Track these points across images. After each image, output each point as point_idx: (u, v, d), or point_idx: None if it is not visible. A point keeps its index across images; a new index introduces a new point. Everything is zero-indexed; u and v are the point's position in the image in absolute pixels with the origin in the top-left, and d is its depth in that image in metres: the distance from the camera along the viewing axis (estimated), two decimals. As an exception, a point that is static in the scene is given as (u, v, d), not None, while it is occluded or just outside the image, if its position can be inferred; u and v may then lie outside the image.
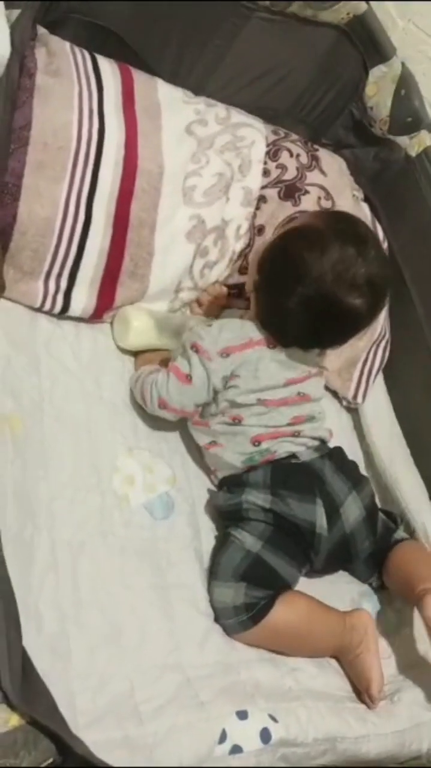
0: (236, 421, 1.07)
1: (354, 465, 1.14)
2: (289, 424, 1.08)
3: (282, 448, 1.07)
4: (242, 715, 0.87)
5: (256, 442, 1.07)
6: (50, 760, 0.58)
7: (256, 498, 1.03)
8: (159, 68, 1.34)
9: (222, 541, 1.03)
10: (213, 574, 1.00)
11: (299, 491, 1.03)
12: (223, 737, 0.84)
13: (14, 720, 0.60)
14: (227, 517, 1.06)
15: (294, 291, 1.01)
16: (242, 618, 0.95)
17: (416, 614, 1.03)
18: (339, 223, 1.05)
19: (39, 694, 0.68)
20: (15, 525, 0.88)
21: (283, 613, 0.95)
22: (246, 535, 1.00)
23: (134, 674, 0.86)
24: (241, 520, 1.03)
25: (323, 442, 1.12)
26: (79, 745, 0.63)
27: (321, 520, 1.02)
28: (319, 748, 0.89)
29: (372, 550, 1.08)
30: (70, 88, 1.17)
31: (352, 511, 1.05)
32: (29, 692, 0.65)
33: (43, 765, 0.58)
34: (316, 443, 1.10)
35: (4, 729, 0.58)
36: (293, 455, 1.07)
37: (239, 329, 1.08)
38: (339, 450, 1.14)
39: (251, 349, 1.07)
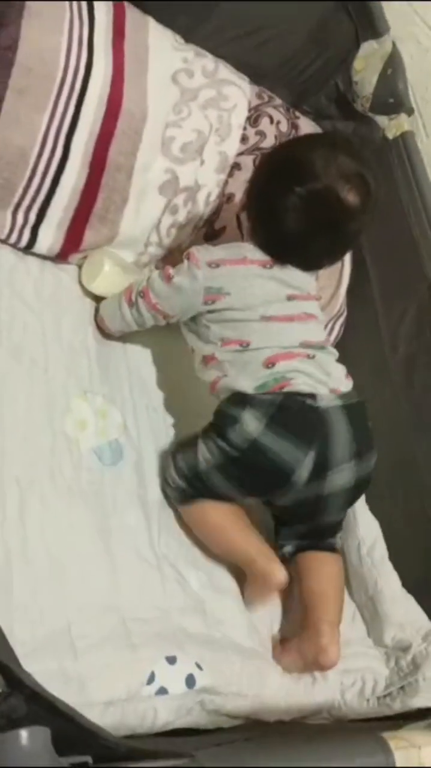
0: (245, 346, 1.03)
1: (368, 431, 1.05)
2: (302, 345, 1.04)
3: (300, 380, 1.01)
4: (172, 660, 0.91)
5: (269, 364, 1.01)
6: (-1, 691, 0.60)
7: (249, 422, 0.99)
8: (150, 6, 1.29)
9: (192, 438, 1.05)
10: (174, 455, 1.06)
11: (296, 437, 0.98)
12: (151, 678, 0.88)
13: None
14: (213, 420, 1.05)
15: (291, 189, 1.01)
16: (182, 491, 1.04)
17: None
18: (327, 136, 1.20)
19: None
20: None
21: (211, 508, 1.02)
22: (209, 451, 1.01)
23: (72, 611, 0.88)
24: (219, 433, 1.02)
25: (346, 392, 1.05)
26: (26, 676, 0.65)
27: (302, 471, 0.98)
28: (235, 700, 0.94)
29: (324, 526, 1.06)
30: (61, 13, 1.12)
31: (340, 477, 1.00)
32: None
33: (-10, 695, 0.59)
34: (340, 389, 1.04)
35: None
36: (312, 396, 1.01)
37: (236, 249, 1.08)
38: (360, 407, 1.05)
39: (244, 265, 1.05)
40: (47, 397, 1.04)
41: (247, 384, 1.01)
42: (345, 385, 1.06)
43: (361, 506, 1.16)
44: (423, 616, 1.05)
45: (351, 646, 1.02)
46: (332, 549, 1.07)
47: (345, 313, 1.40)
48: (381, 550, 1.12)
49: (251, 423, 0.99)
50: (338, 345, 1.40)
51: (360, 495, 1.10)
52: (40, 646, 0.82)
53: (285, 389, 1.00)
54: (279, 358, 1.02)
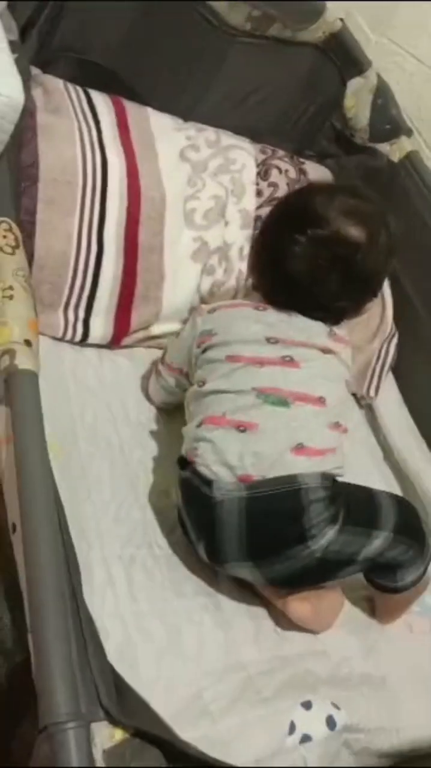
0: (200, 384, 0.99)
1: (283, 526, 0.90)
2: (256, 391, 0.93)
3: (202, 458, 0.93)
4: (307, 705, 0.90)
5: (199, 422, 0.95)
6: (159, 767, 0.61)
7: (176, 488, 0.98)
8: (149, 97, 1.40)
9: None
10: None
11: (191, 520, 0.95)
12: (292, 728, 0.87)
13: (119, 734, 0.63)
14: None
15: (291, 233, 0.97)
16: None
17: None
18: (325, 183, 1.20)
19: (136, 706, 0.70)
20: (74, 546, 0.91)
21: None
22: None
23: (198, 676, 0.89)
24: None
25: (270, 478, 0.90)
26: (188, 747, 0.67)
27: (202, 554, 0.95)
28: (380, 735, 0.92)
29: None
30: (71, 125, 1.22)
31: (245, 573, 0.94)
32: (125, 705, 0.68)
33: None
34: (254, 476, 0.90)
35: (110, 744, 0.61)
36: (208, 482, 0.92)
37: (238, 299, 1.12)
38: (286, 497, 0.89)
39: (237, 308, 1.03)
40: (129, 475, 1.07)
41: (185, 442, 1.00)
42: (281, 467, 0.90)
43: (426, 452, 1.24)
44: None
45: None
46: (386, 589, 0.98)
47: (396, 334, 1.42)
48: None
49: (175, 490, 1.00)
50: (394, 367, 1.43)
51: (328, 573, 0.95)
52: (177, 717, 0.83)
53: (192, 462, 0.95)
54: (208, 420, 0.95)
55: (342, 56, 1.47)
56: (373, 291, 1.06)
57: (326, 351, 0.99)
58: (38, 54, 1.30)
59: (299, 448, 0.91)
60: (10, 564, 0.75)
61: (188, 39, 1.36)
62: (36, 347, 0.88)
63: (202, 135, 1.39)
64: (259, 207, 1.36)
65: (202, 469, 0.92)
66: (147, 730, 0.66)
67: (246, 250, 1.30)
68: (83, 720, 0.63)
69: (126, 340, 1.23)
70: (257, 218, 1.33)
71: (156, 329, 1.25)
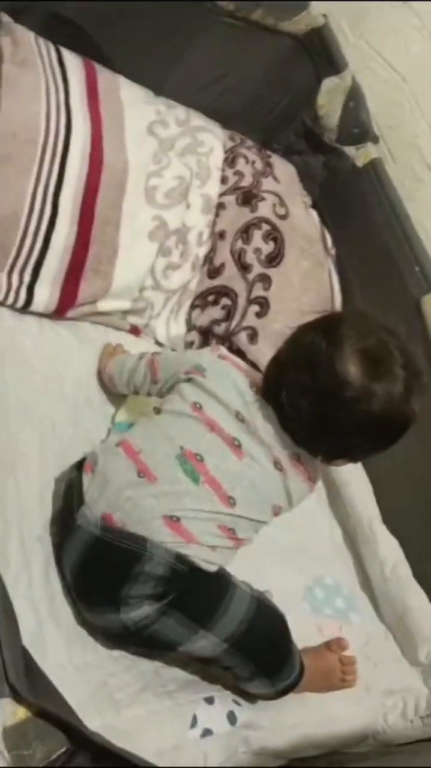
0: (157, 408, 0.98)
1: (118, 581, 0.85)
2: (180, 452, 0.88)
3: (86, 479, 0.90)
4: (210, 700, 0.91)
5: (125, 447, 0.90)
6: (63, 750, 0.60)
7: None
8: (119, 63, 1.35)
9: None
10: None
11: None
12: (194, 722, 0.88)
13: (21, 713, 0.61)
14: None
15: (307, 383, 0.85)
16: None
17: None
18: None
19: (44, 688, 0.69)
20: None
21: None
22: None
23: (107, 664, 0.89)
24: None
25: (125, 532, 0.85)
26: (93, 734, 0.66)
27: None
28: (278, 733, 0.93)
29: None
30: (37, 80, 1.16)
31: None
32: (34, 686, 0.66)
33: (54, 755, 0.59)
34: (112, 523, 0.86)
35: (13, 721, 0.59)
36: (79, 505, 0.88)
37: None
38: (112, 552, 0.86)
39: (237, 369, 0.95)
40: (59, 454, 1.04)
41: None
42: (144, 527, 0.85)
43: (379, 526, 1.17)
44: (454, 627, 1.06)
45: (388, 666, 1.02)
46: None
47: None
48: (404, 568, 1.13)
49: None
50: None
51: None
52: (83, 703, 0.82)
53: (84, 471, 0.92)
54: (126, 445, 0.91)
55: (321, 53, 1.46)
56: (353, 453, 0.92)
57: (277, 465, 0.90)
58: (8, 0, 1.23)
59: (173, 521, 0.85)
60: None
61: (168, 8, 1.31)
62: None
63: (172, 112, 1.35)
64: (222, 194, 1.34)
65: (87, 489, 0.89)
66: (53, 712, 0.65)
67: (205, 236, 1.28)
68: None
69: (71, 313, 1.19)
70: (220, 205, 1.31)
71: (103, 305, 1.21)
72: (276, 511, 0.92)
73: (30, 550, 0.92)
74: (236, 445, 0.89)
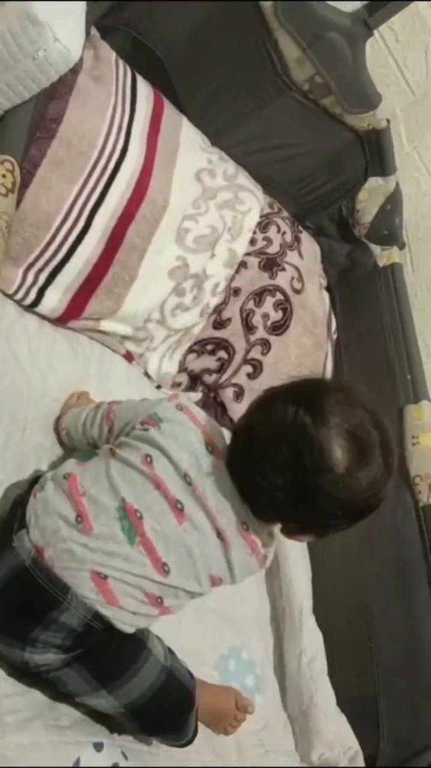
0: (110, 451, 0.90)
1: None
2: (122, 500, 0.84)
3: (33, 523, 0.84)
4: (99, 746, 0.89)
5: (71, 484, 0.87)
6: None
7: None
8: (186, 105, 1.39)
9: None
10: None
11: None
12: (76, 764, 0.86)
13: None
14: None
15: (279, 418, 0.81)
16: None
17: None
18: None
19: None
20: None
21: None
22: None
23: (3, 683, 0.86)
24: None
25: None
26: None
27: None
28: None
29: None
30: (107, 98, 1.19)
31: None
32: None
33: None
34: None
35: None
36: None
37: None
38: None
39: (193, 423, 0.90)
40: (20, 461, 1.03)
41: None
42: (71, 576, 0.82)
43: (308, 616, 1.17)
44: (353, 737, 1.06)
45: (278, 756, 1.01)
46: None
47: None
48: (321, 663, 1.13)
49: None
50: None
51: None
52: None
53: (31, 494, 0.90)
54: (71, 482, 0.87)
55: (374, 153, 1.52)
56: (318, 529, 0.87)
57: (220, 535, 0.85)
58: (102, 18, 1.26)
59: (100, 578, 0.82)
60: None
61: (247, 68, 1.37)
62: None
63: (222, 164, 1.39)
64: (247, 254, 1.37)
65: (29, 513, 0.86)
66: None
67: (221, 288, 1.31)
68: None
69: (73, 324, 1.20)
70: (242, 264, 1.34)
71: (106, 325, 1.22)
72: (215, 582, 0.88)
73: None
74: (178, 509, 0.85)
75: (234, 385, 1.35)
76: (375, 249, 1.60)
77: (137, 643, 0.88)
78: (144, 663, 0.86)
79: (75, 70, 1.15)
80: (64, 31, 0.92)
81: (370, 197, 1.58)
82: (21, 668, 0.85)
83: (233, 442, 0.89)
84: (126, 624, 0.85)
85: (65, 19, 0.93)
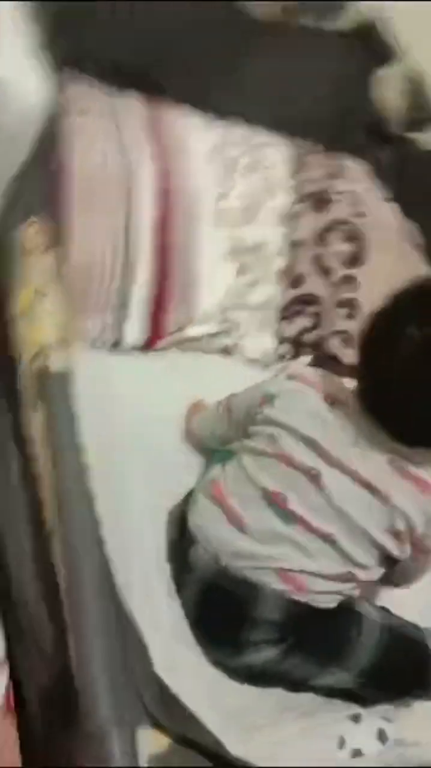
0: (242, 446, 0.90)
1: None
2: (264, 490, 0.84)
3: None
4: (355, 718, 0.87)
5: (216, 490, 0.88)
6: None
7: None
8: (179, 95, 1.38)
9: None
10: None
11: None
12: (341, 743, 0.84)
13: (164, 740, 0.62)
14: None
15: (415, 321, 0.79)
16: None
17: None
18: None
19: (182, 714, 0.69)
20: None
21: None
22: None
23: (240, 689, 0.87)
24: None
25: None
26: (238, 761, 0.65)
27: None
28: None
29: None
30: (99, 126, 1.21)
31: None
32: (172, 714, 0.66)
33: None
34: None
35: (157, 750, 0.60)
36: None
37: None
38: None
39: (311, 386, 0.87)
40: (169, 480, 1.03)
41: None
42: (253, 573, 0.84)
43: None
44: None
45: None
46: None
47: None
48: None
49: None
50: None
51: None
52: (223, 731, 0.79)
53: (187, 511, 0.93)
54: (216, 487, 0.89)
55: (375, 44, 1.43)
56: None
57: (369, 487, 0.81)
58: (69, 51, 1.28)
59: (282, 571, 0.82)
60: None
61: (216, 34, 1.34)
62: (70, 349, 0.87)
63: (233, 133, 1.37)
64: (293, 203, 1.33)
65: (192, 528, 0.87)
66: (195, 739, 0.64)
67: (282, 248, 1.27)
68: (128, 726, 0.62)
69: (160, 344, 1.21)
70: (293, 215, 1.31)
71: (192, 331, 1.22)
72: (401, 536, 0.81)
73: (151, 577, 0.92)
74: (314, 477, 0.82)
75: (338, 332, 1.30)
76: (419, 136, 1.50)
77: (346, 612, 0.86)
78: (361, 628, 0.84)
79: (63, 115, 1.18)
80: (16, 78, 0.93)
81: (388, 89, 1.49)
82: (248, 673, 0.86)
83: (362, 382, 0.85)
84: (326, 601, 0.84)
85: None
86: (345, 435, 0.83)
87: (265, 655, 0.83)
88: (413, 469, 0.81)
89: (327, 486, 0.82)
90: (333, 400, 0.85)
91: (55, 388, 0.83)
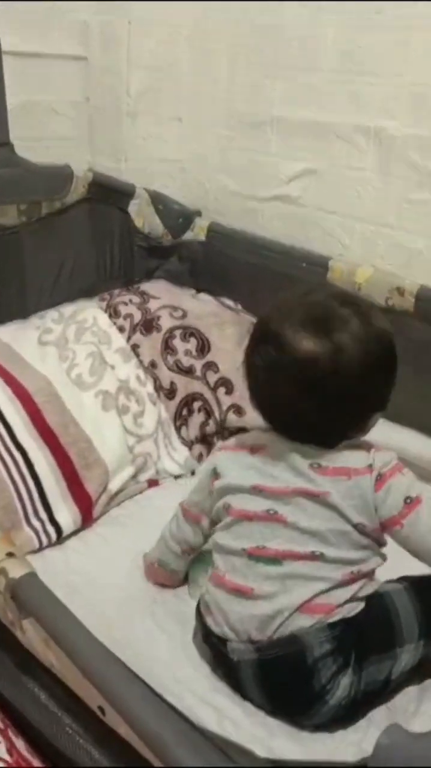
0: (214, 532, 0.96)
1: (295, 688, 0.85)
2: (243, 551, 0.88)
3: (211, 617, 0.91)
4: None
5: (215, 577, 0.92)
6: None
7: None
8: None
9: None
10: None
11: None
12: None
13: None
14: None
15: (254, 352, 0.89)
16: None
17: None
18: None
19: None
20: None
21: None
22: None
23: (343, 726, 0.87)
24: None
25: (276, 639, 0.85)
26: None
27: None
28: None
29: None
30: None
31: None
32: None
33: None
34: (258, 637, 0.86)
35: None
36: (223, 641, 0.89)
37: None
38: (290, 659, 0.85)
39: (235, 451, 0.95)
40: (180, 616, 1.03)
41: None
42: (283, 627, 0.85)
43: None
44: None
45: None
46: None
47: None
48: None
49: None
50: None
51: None
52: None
53: (205, 617, 0.93)
54: (214, 577, 0.92)
55: (108, 193, 1.64)
56: (369, 406, 0.89)
57: (307, 494, 0.86)
58: None
59: (301, 608, 0.85)
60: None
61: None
62: (19, 556, 0.90)
63: (47, 317, 1.51)
64: (128, 339, 1.46)
65: (215, 629, 0.90)
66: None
67: (142, 375, 1.39)
68: None
69: (96, 511, 1.25)
70: (133, 347, 1.43)
71: (113, 486, 1.28)
72: (362, 529, 0.86)
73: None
74: (272, 515, 0.87)
75: (229, 408, 1.41)
76: (188, 236, 1.70)
77: (374, 601, 0.88)
78: (392, 603, 0.88)
79: None
80: None
81: (143, 216, 1.69)
82: (344, 704, 0.85)
83: (258, 411, 0.92)
84: (354, 608, 0.87)
85: None
86: (274, 467, 0.89)
87: (342, 683, 0.84)
88: (330, 463, 0.87)
89: (287, 515, 0.87)
90: (255, 450, 0.93)
91: (30, 590, 0.85)
